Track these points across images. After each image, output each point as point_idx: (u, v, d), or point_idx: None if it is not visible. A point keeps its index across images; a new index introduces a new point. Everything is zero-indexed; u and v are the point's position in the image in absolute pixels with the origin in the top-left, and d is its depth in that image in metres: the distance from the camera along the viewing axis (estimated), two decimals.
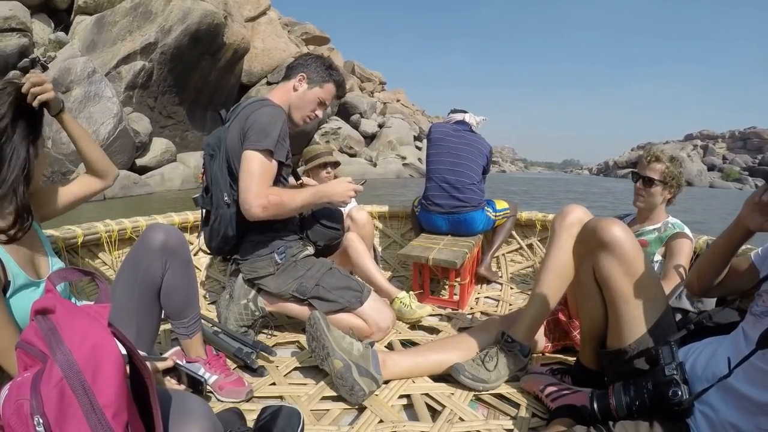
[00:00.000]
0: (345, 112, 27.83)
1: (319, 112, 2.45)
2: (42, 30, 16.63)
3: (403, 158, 28.67)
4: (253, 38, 20.03)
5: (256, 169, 2.13)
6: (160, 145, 15.32)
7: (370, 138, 29.27)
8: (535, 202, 19.30)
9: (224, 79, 17.50)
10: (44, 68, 14.10)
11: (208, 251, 2.56)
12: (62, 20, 17.70)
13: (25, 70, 14.33)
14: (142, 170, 14.37)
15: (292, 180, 2.78)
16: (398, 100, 41.54)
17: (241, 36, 17.53)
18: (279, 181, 2.34)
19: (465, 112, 3.68)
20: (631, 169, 2.59)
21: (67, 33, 17.06)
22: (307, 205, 2.33)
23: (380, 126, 30.42)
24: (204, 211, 2.45)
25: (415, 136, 33.64)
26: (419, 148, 31.74)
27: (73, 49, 14.81)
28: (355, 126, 27.84)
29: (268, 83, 20.10)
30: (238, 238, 2.37)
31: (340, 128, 25.12)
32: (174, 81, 15.84)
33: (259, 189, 2.12)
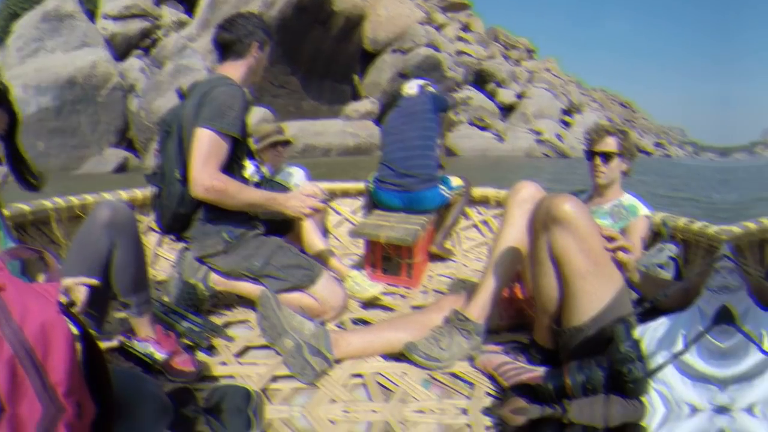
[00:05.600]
0: (480, 79, 25.73)
1: None
2: (172, 14, 19.72)
3: (539, 133, 26.38)
4: (375, 6, 20.56)
5: (205, 148, 2.15)
6: (257, 114, 15.52)
7: (507, 109, 26.87)
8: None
9: (341, 48, 18.07)
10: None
11: (159, 230, 2.51)
12: (192, 3, 20.51)
13: (146, 49, 18.28)
14: None
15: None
16: (548, 69, 38.79)
17: (352, 3, 17.92)
18: (234, 162, 2.34)
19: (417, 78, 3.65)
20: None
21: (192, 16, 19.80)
22: (256, 206, 2.37)
23: (520, 96, 27.73)
24: (156, 189, 2.43)
25: (563, 110, 31.11)
26: (566, 124, 28.82)
27: (191, 29, 16.89)
28: (492, 96, 25.67)
29: (394, 51, 20.53)
30: (188, 215, 2.35)
31: (470, 98, 23.22)
32: (284, 51, 16.75)
33: (204, 169, 2.15)
